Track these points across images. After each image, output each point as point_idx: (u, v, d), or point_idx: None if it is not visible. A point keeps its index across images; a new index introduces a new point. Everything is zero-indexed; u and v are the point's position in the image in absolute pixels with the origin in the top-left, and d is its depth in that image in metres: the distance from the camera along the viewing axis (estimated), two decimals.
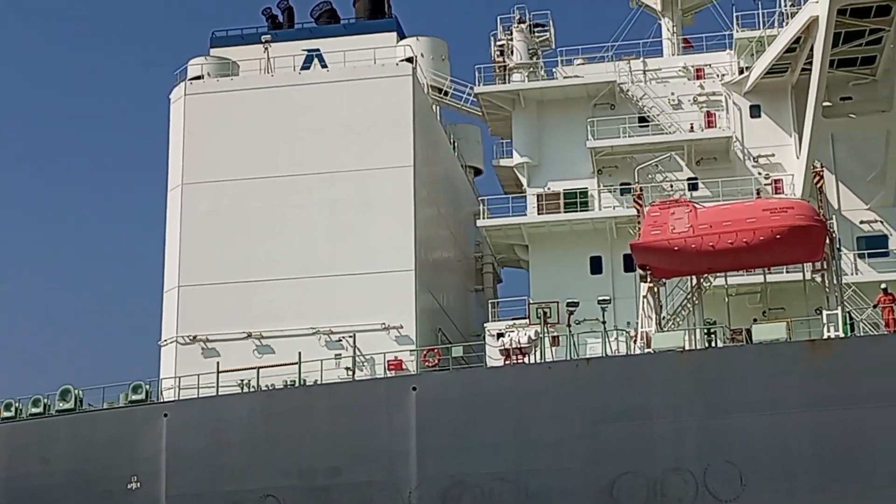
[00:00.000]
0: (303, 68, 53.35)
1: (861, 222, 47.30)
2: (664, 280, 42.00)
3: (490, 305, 50.73)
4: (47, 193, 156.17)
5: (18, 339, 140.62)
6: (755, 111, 49.72)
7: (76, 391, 45.46)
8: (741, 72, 50.48)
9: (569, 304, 42.71)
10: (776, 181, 48.07)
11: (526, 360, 40.85)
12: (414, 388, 40.05)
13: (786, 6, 51.20)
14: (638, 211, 42.43)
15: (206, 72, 52.95)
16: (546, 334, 41.65)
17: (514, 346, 40.83)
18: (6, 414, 46.46)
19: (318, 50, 54.90)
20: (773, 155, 48.97)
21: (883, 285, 40.11)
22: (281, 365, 44.10)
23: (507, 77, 51.97)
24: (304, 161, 48.91)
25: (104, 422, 44.45)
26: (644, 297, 41.27)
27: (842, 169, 48.06)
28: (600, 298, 41.53)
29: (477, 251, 59.33)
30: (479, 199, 54.71)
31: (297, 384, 42.94)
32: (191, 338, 47.08)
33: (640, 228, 41.48)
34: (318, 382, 42.97)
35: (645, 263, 40.80)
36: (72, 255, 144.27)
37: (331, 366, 44.17)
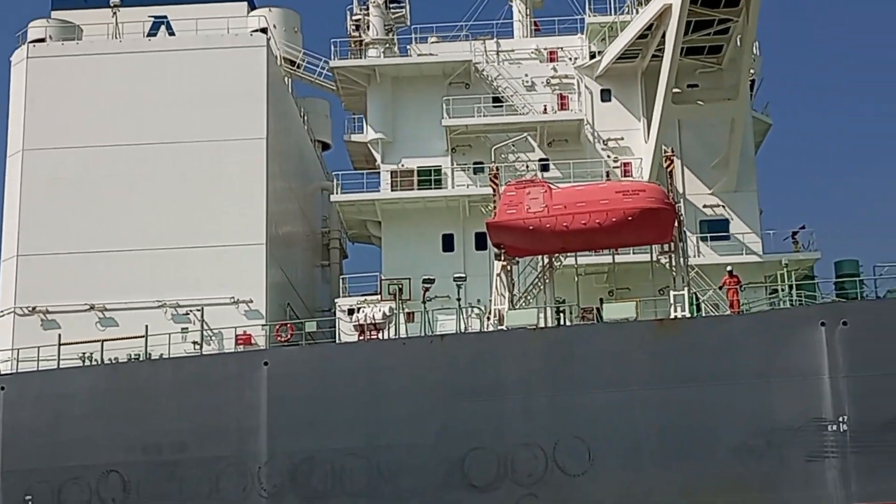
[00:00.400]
0: (149, 35, 51.97)
1: (704, 206, 48.86)
2: (517, 259, 42.35)
3: (340, 281, 50.74)
4: None
5: None
6: (606, 95, 50.80)
7: None
8: (592, 56, 51.38)
9: (424, 281, 43.08)
10: (625, 164, 49.29)
11: (380, 335, 40.92)
12: (265, 363, 39.69)
13: None
14: (494, 190, 42.68)
15: (49, 35, 51.24)
16: (401, 311, 41.80)
17: (368, 321, 40.88)
18: None
19: (165, 17, 53.80)
20: (622, 139, 50.13)
21: (728, 267, 41.79)
22: (126, 338, 43.16)
23: (362, 52, 51.95)
24: (152, 130, 48.02)
25: None
26: (497, 275, 41.79)
27: (687, 154, 49.45)
28: (456, 275, 41.84)
29: (324, 226, 59.12)
30: (332, 174, 54.90)
31: (142, 358, 41.91)
32: (29, 309, 45.68)
33: (495, 207, 41.77)
34: (165, 356, 41.93)
35: (500, 242, 41.25)
36: None
37: (178, 340, 43.23)
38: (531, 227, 40.00)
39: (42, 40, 51.61)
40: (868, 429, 35.86)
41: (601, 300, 44.28)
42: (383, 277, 48.00)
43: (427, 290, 42.80)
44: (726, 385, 37.05)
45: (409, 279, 46.53)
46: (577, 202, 40.01)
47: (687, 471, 36.55)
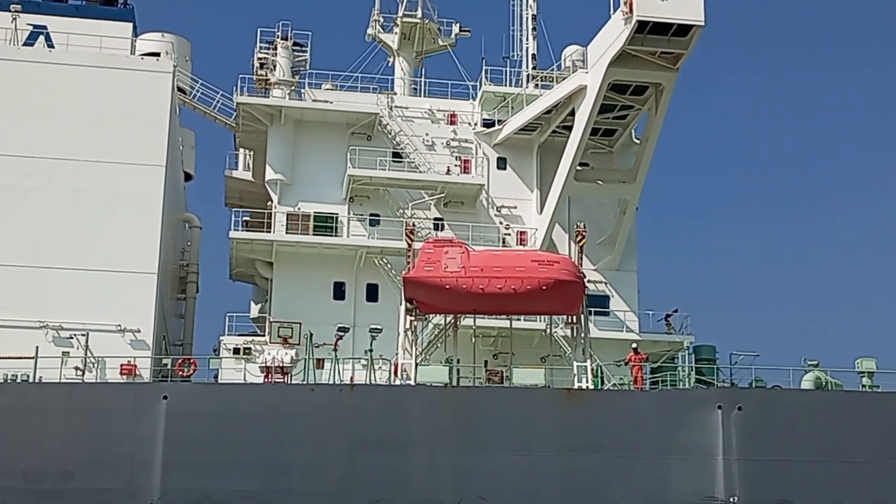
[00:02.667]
0: (25, 44, 50.02)
1: (587, 282, 50.42)
2: (426, 316, 43.23)
3: (226, 318, 49.76)
4: None
5: None
6: (502, 163, 52.09)
7: None
8: (484, 123, 52.53)
9: (339, 329, 42.97)
10: (521, 233, 50.46)
11: (286, 379, 40.72)
12: (165, 397, 38.67)
13: (531, 68, 54.95)
14: (409, 245, 42.96)
15: None
16: (311, 356, 41.65)
17: (276, 364, 40.60)
18: None
19: (45, 27, 52.10)
20: (515, 207, 51.48)
21: (634, 345, 43.57)
22: (8, 357, 41.30)
23: (267, 91, 51.90)
24: (45, 143, 46.09)
25: None
26: (406, 329, 42.00)
27: (572, 229, 49.63)
28: (371, 326, 41.96)
29: (182, 259, 58.16)
30: (231, 208, 54.67)
31: (27, 380, 40.16)
32: None
33: (410, 263, 42.16)
34: (47, 381, 40.27)
35: (413, 297, 41.71)
36: None
37: (56, 364, 41.69)
38: (447, 287, 40.73)
39: None
40: None
41: (486, 362, 44.97)
42: (272, 319, 47.32)
43: (340, 337, 42.62)
44: (627, 458, 37.91)
45: (300, 323, 45.66)
46: (493, 266, 40.97)
47: None
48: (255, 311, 55.13)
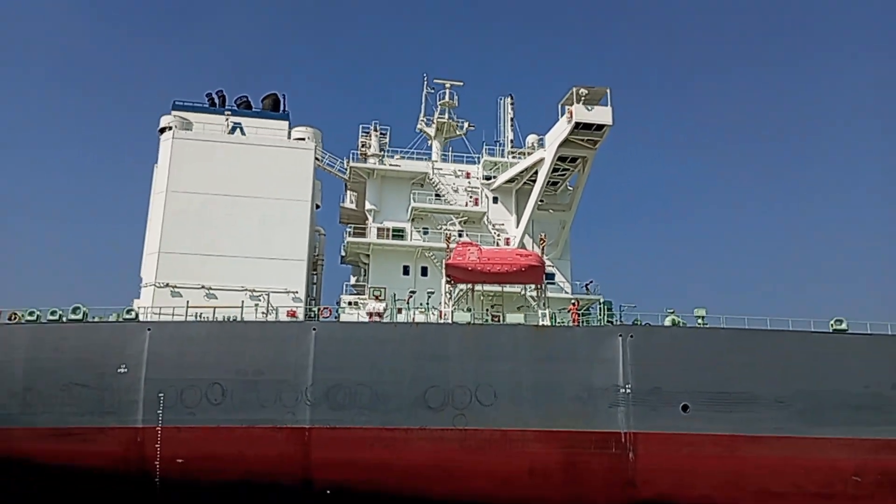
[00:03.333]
0: (230, 132, 50.64)
1: (546, 265, 50.23)
2: (458, 284, 43.50)
3: (343, 286, 50.00)
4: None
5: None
6: (496, 200, 52.22)
7: (84, 308, 41.78)
8: (486, 178, 52.51)
9: (409, 292, 43.37)
10: (507, 239, 50.31)
11: (380, 319, 41.20)
12: (314, 329, 39.42)
13: (510, 147, 54.96)
14: (447, 245, 43.18)
15: (173, 125, 49.85)
16: (394, 306, 42.20)
17: (374, 311, 41.26)
18: (29, 318, 41.94)
19: (240, 124, 52.51)
20: (502, 224, 51.41)
21: (572, 301, 43.90)
22: (223, 307, 42.07)
23: (365, 158, 51.86)
24: (244, 188, 46.94)
25: (105, 330, 40.46)
26: (446, 292, 42.52)
27: (536, 237, 49.99)
28: (428, 291, 42.55)
29: (315, 252, 58.14)
30: (342, 224, 54.48)
31: (236, 320, 40.68)
32: (164, 284, 44.07)
33: (449, 255, 42.45)
34: (247, 320, 40.77)
35: (450, 275, 42.19)
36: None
37: (251, 311, 42.79)
38: (470, 268, 41.46)
39: (168, 128, 50.38)
40: (639, 392, 37.95)
41: (487, 309, 45.39)
42: (370, 286, 47.52)
43: (410, 297, 43.00)
44: (570, 363, 38.46)
45: (385, 288, 46.44)
46: (495, 257, 41.74)
47: (547, 407, 37.73)
48: (352, 280, 55.07)
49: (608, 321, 40.97)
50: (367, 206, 50.53)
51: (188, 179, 46.55)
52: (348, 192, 55.34)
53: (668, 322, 40.66)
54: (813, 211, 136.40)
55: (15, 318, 42.26)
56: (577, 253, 51.83)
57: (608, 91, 43.44)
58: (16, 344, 40.97)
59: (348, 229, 51.27)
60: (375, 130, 52.75)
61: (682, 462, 37.20)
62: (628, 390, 37.81)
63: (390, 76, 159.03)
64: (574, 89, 43.11)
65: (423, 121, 56.63)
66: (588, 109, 42.76)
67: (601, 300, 47.02)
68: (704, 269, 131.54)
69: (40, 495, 40.22)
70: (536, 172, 48.54)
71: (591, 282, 50.42)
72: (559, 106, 45.27)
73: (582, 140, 44.76)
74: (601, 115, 43.10)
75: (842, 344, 40.09)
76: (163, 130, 51.17)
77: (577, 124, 43.15)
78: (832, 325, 40.56)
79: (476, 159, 54.36)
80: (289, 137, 51.04)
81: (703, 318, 40.79)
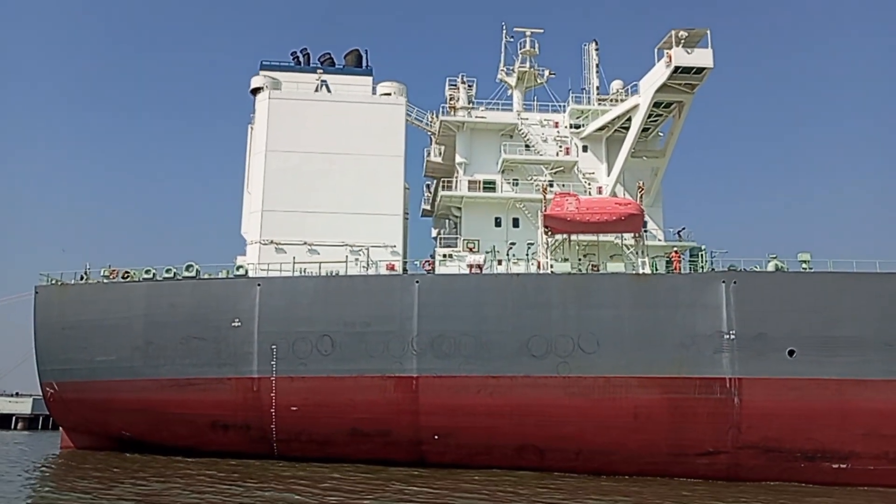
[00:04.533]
0: (316, 90, 51.40)
1: None
2: (555, 235, 43.41)
3: (437, 241, 49.85)
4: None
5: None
6: (585, 149, 51.26)
7: (196, 265, 43.79)
8: (574, 126, 51.47)
9: (510, 244, 43.74)
10: (599, 188, 49.63)
11: (482, 271, 41.75)
12: (417, 282, 40.34)
13: (598, 95, 53.53)
14: (544, 196, 43.20)
15: (264, 85, 50.91)
16: (494, 259, 42.52)
17: (475, 263, 41.88)
18: (146, 276, 44.30)
19: (325, 81, 53.13)
20: (593, 173, 50.55)
21: (675, 248, 43.63)
22: (327, 262, 43.55)
23: (455, 112, 51.54)
24: (340, 145, 47.62)
25: (217, 286, 42.65)
26: (544, 243, 42.65)
27: (627, 184, 49.77)
28: (528, 242, 42.79)
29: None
30: (426, 177, 54.94)
31: (342, 273, 42.03)
32: (268, 241, 45.45)
33: (545, 206, 42.41)
34: (351, 274, 42.07)
35: (549, 225, 42.14)
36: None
37: (353, 265, 44.12)
38: (569, 219, 41.29)
39: (260, 89, 51.24)
40: (744, 338, 37.50)
41: (580, 258, 45.30)
42: (464, 238, 47.73)
43: (510, 248, 43.42)
44: (672, 310, 38.17)
45: (479, 240, 46.95)
46: (593, 206, 41.39)
47: (650, 354, 37.78)
48: (434, 233, 55.27)
49: (710, 268, 40.50)
50: (458, 158, 50.36)
51: (286, 139, 47.42)
52: (434, 145, 55.17)
53: (770, 267, 39.69)
54: None
55: (128, 277, 44.71)
56: (668, 199, 51.03)
57: (708, 32, 42.02)
58: (135, 301, 43.45)
59: (427, 183, 51.27)
60: (463, 83, 52.24)
61: (789, 407, 37.02)
62: (733, 336, 37.44)
63: (468, 26, 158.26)
64: (673, 32, 41.84)
65: (503, 70, 55.51)
66: (688, 52, 41.58)
67: (697, 245, 46.05)
68: (798, 218, 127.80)
69: (170, 443, 42.91)
70: (629, 119, 47.57)
71: (684, 228, 49.53)
72: (655, 50, 44.12)
73: (680, 84, 43.66)
74: (702, 57, 41.85)
75: None
76: (255, 91, 52.24)
77: (677, 68, 42.08)
78: None
79: (561, 108, 53.32)
80: (374, 93, 51.16)
81: (807, 262, 39.87)
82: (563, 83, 57.48)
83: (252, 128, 50.25)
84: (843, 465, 36.75)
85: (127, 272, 45.31)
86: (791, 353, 37.56)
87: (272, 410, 40.65)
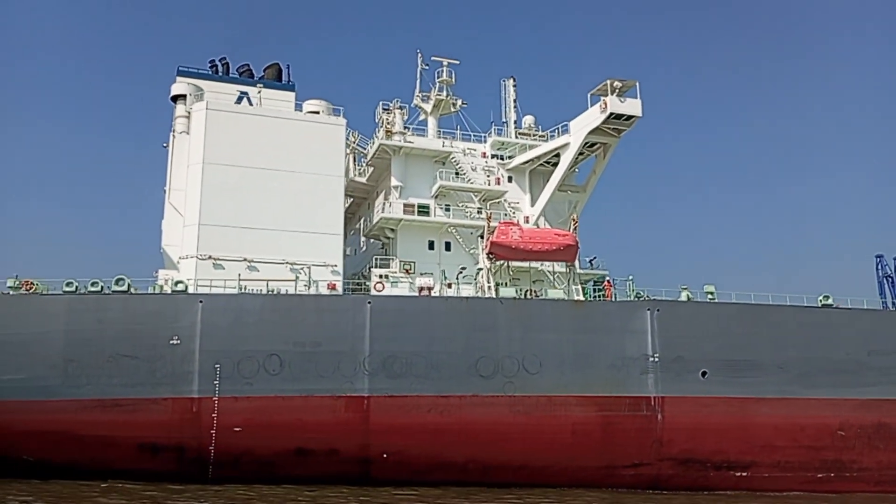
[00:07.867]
0: (236, 102, 50.32)
1: None
2: (498, 261, 44.87)
3: (373, 260, 49.94)
4: None
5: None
6: (510, 179, 53.69)
7: (128, 279, 41.43)
8: (493, 157, 53.85)
9: (461, 268, 44.85)
10: (526, 217, 51.86)
11: (430, 293, 42.68)
12: (369, 303, 40.49)
13: (517, 129, 56.65)
14: (488, 224, 44.74)
15: (188, 93, 49.41)
16: (443, 282, 43.53)
17: (425, 286, 42.75)
18: (67, 288, 41.22)
19: (246, 93, 52.33)
20: (518, 203, 53.03)
21: (606, 277, 46.94)
22: (274, 280, 42.80)
23: (390, 136, 51.85)
24: (276, 161, 46.80)
25: (153, 301, 40.42)
26: (489, 268, 44.07)
27: (549, 215, 52.53)
28: (478, 267, 44.19)
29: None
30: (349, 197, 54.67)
31: (289, 292, 41.42)
32: (205, 256, 43.87)
33: (490, 234, 43.93)
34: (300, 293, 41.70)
35: (493, 252, 43.79)
36: None
37: (290, 284, 43.61)
38: (513, 246, 43.27)
39: (182, 96, 49.46)
40: (665, 360, 40.98)
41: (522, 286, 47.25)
42: (400, 259, 48.38)
43: (460, 272, 44.51)
44: (606, 334, 40.95)
45: (415, 262, 47.77)
46: (535, 236, 43.75)
47: (586, 375, 40.19)
48: (347, 251, 54.69)
49: (637, 296, 44.04)
50: (393, 181, 51.05)
51: (225, 151, 46.05)
52: (365, 166, 55.44)
53: (683, 297, 43.82)
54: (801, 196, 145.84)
55: (31, 289, 41.46)
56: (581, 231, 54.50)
57: (637, 84, 46.13)
58: (53, 316, 40.28)
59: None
60: (399, 108, 53.14)
61: (702, 422, 41.24)
62: (656, 359, 40.90)
63: (382, 53, 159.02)
64: (608, 81, 45.54)
65: (418, 96, 57.09)
66: (621, 101, 45.33)
67: (606, 274, 50.15)
68: (689, 250, 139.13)
69: (84, 466, 40.03)
70: (556, 155, 50.53)
71: (595, 258, 53.32)
72: (588, 95, 47.55)
73: (610, 129, 47.28)
74: (632, 106, 45.66)
75: (828, 317, 45.30)
76: (175, 98, 50.28)
77: (611, 114, 45.61)
78: (820, 300, 45.62)
79: (482, 138, 55.42)
80: (298, 109, 50.75)
81: (712, 293, 44.26)
82: (474, 113, 59.91)
83: (175, 135, 48.18)
84: (744, 473, 41.46)
85: (29, 282, 41.91)
86: (703, 374, 41.76)
87: (212, 431, 39.09)
